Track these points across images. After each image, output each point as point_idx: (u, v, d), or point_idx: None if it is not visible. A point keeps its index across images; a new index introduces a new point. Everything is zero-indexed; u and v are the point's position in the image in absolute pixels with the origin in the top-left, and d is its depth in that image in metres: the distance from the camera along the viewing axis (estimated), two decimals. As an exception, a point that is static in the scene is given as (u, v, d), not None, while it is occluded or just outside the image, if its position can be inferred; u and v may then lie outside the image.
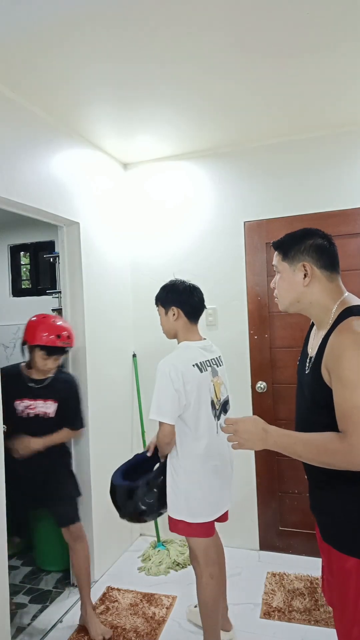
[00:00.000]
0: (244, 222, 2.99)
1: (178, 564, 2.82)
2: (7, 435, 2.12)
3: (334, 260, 1.39)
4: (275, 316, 2.93)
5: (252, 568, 2.78)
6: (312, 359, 1.35)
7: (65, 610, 2.45)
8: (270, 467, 2.95)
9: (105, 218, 2.97)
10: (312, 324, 1.52)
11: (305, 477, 1.43)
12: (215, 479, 1.96)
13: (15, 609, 2.44)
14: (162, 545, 3.01)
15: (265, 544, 2.96)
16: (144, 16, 1.69)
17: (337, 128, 2.76)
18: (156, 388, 1.87)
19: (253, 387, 2.97)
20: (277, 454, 2.93)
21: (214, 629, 1.96)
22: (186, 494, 1.91)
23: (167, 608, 2.42)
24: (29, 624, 2.36)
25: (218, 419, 1.98)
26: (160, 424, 1.86)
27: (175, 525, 1.96)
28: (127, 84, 2.17)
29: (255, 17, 1.72)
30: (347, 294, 1.38)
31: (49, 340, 2.23)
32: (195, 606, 2.24)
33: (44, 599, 2.58)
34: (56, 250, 3.01)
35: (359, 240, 2.76)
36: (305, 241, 1.38)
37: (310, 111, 2.55)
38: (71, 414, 2.36)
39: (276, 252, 1.45)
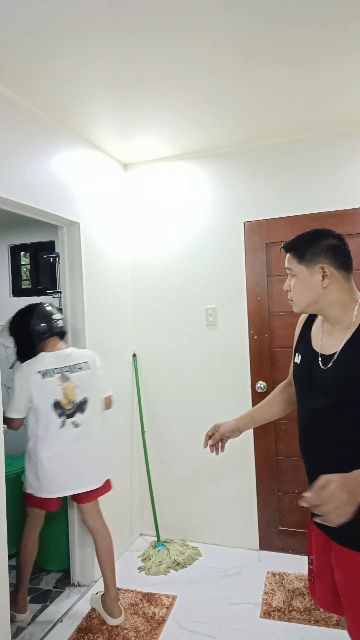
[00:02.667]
0: (244, 222, 2.99)
1: (178, 564, 2.82)
2: None
3: (349, 260, 1.39)
4: (275, 316, 2.93)
5: (252, 568, 2.78)
6: (337, 357, 1.34)
7: (65, 610, 2.45)
8: (270, 467, 2.95)
9: (105, 218, 2.97)
10: (307, 321, 1.53)
11: (308, 482, 1.39)
12: (55, 465, 2.28)
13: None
14: (162, 545, 3.01)
15: (265, 544, 2.96)
16: (144, 16, 1.69)
17: (337, 128, 2.76)
18: (12, 389, 2.33)
19: (253, 387, 2.97)
20: (276, 454, 2.94)
21: (22, 576, 2.44)
22: (31, 472, 2.33)
23: (167, 608, 2.42)
24: (29, 624, 2.36)
25: (69, 417, 2.35)
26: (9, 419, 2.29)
27: (25, 497, 2.41)
28: (127, 84, 2.17)
29: (256, 18, 1.72)
30: None
31: None
32: (97, 593, 2.47)
33: (44, 598, 2.58)
34: (56, 251, 3.01)
35: (359, 240, 2.76)
36: (320, 242, 1.37)
37: (311, 111, 2.55)
38: None
39: (289, 255, 1.43)
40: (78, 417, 2.36)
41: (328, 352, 1.37)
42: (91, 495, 2.42)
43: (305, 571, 2.67)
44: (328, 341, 1.40)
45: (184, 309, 3.14)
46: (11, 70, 2.01)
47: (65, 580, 2.74)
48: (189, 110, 2.47)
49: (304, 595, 2.47)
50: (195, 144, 2.95)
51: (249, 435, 2.96)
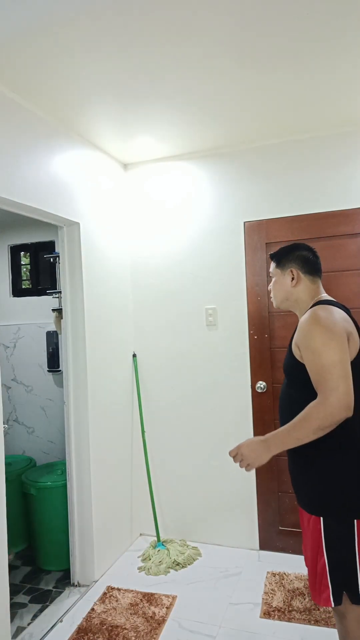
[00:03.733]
0: (244, 222, 2.99)
1: (178, 564, 2.82)
2: None
3: (316, 267, 1.79)
4: (275, 316, 2.93)
5: (252, 568, 2.78)
6: (290, 341, 1.71)
7: (65, 610, 2.45)
8: (270, 467, 2.95)
9: (105, 218, 2.97)
10: None
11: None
12: None
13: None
14: (162, 545, 3.01)
15: (265, 544, 2.96)
16: (144, 16, 1.69)
17: (337, 128, 2.76)
18: None
19: (253, 387, 2.97)
20: (276, 454, 2.94)
21: None
22: None
23: (167, 608, 2.42)
24: (29, 624, 2.36)
25: None
26: None
27: None
28: (127, 84, 2.17)
29: (255, 17, 1.72)
30: (324, 294, 1.77)
31: None
32: None
33: (44, 599, 2.58)
34: (56, 251, 3.01)
35: (359, 240, 2.76)
36: (293, 252, 1.80)
37: (310, 111, 2.55)
38: None
39: (272, 261, 1.86)
40: None
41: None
42: None
43: (305, 571, 2.67)
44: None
45: (184, 309, 3.14)
46: (12, 71, 2.01)
47: (65, 580, 2.74)
48: (189, 110, 2.47)
49: (304, 595, 2.47)
50: (195, 144, 2.95)
51: (248, 434, 2.96)
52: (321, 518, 1.56)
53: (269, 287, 1.91)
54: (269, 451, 1.53)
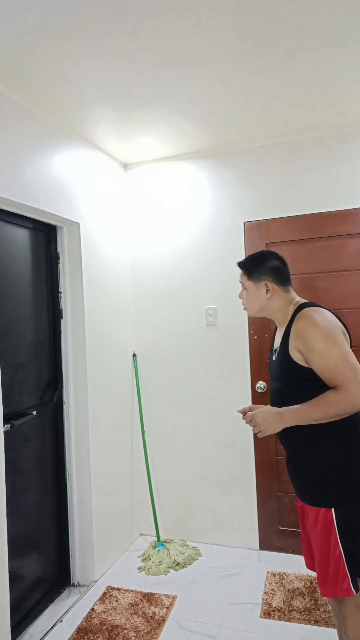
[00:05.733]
0: (244, 222, 2.99)
1: (178, 564, 2.82)
2: None
3: (287, 276, 1.82)
4: (275, 316, 2.93)
5: (252, 568, 2.78)
6: (278, 348, 1.75)
7: (65, 610, 2.45)
8: (270, 467, 2.95)
9: (105, 218, 2.97)
10: (276, 327, 1.90)
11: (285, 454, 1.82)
12: None
13: None
14: (162, 545, 3.01)
15: (265, 544, 2.96)
16: (144, 17, 1.69)
17: (337, 128, 2.77)
18: None
19: (253, 387, 2.97)
20: (276, 454, 2.94)
21: None
22: None
23: (167, 608, 2.42)
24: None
25: None
26: None
27: None
28: (128, 85, 2.17)
29: (255, 17, 1.72)
30: (297, 298, 1.82)
31: None
32: None
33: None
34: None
35: (359, 240, 2.77)
36: (264, 264, 1.80)
37: (310, 111, 2.55)
38: None
39: (241, 271, 1.86)
40: None
41: (275, 347, 1.80)
42: None
43: (305, 571, 2.68)
44: (277, 338, 1.82)
45: (184, 309, 3.14)
46: (12, 71, 2.01)
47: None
48: (189, 110, 2.47)
49: (304, 595, 2.47)
50: (195, 144, 2.95)
51: (249, 435, 2.96)
52: (333, 509, 1.61)
53: (239, 296, 1.90)
54: (282, 423, 1.62)
